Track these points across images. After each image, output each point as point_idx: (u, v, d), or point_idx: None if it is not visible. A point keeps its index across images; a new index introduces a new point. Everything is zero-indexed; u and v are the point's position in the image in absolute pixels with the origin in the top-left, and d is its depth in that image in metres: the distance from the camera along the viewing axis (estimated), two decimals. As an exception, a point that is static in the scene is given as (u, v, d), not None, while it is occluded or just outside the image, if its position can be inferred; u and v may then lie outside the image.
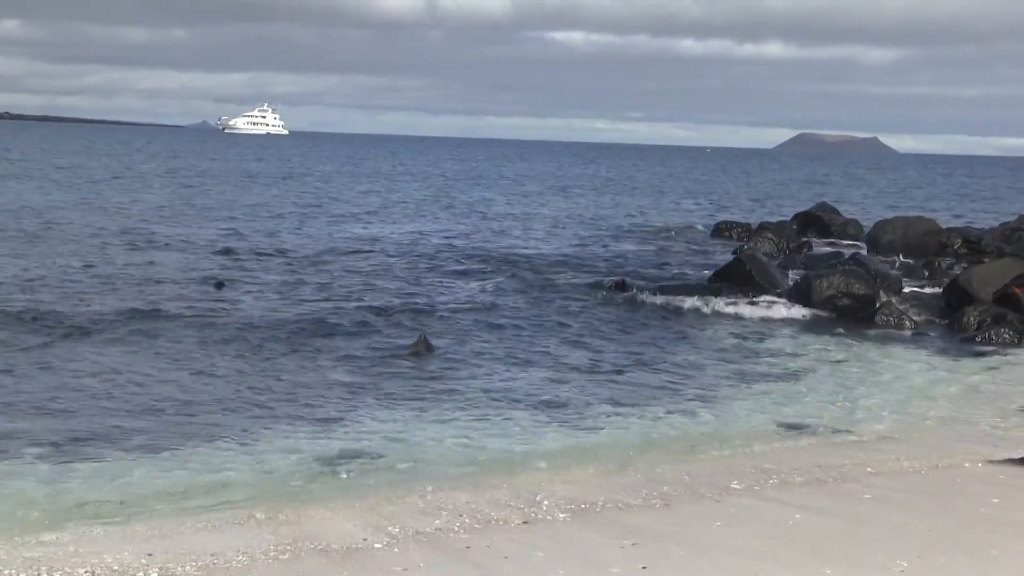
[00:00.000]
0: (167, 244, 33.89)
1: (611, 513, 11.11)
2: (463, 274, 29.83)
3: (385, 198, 63.84)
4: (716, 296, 25.65)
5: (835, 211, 47.50)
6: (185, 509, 11.00)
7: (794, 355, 20.03)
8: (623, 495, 11.71)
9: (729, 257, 31.12)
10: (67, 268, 27.37)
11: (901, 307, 24.28)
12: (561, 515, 10.97)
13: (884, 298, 24.55)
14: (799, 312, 24.49)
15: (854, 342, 21.44)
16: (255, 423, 14.27)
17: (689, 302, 25.20)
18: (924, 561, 9.64)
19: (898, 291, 25.38)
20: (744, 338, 21.56)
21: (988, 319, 22.66)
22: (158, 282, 25.72)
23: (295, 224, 43.59)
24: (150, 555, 9.51)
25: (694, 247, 40.17)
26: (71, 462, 12.37)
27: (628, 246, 39.62)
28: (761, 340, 21.39)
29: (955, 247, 33.74)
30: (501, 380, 17.28)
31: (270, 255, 32.18)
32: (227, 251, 32.48)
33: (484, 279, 28.89)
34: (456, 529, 10.49)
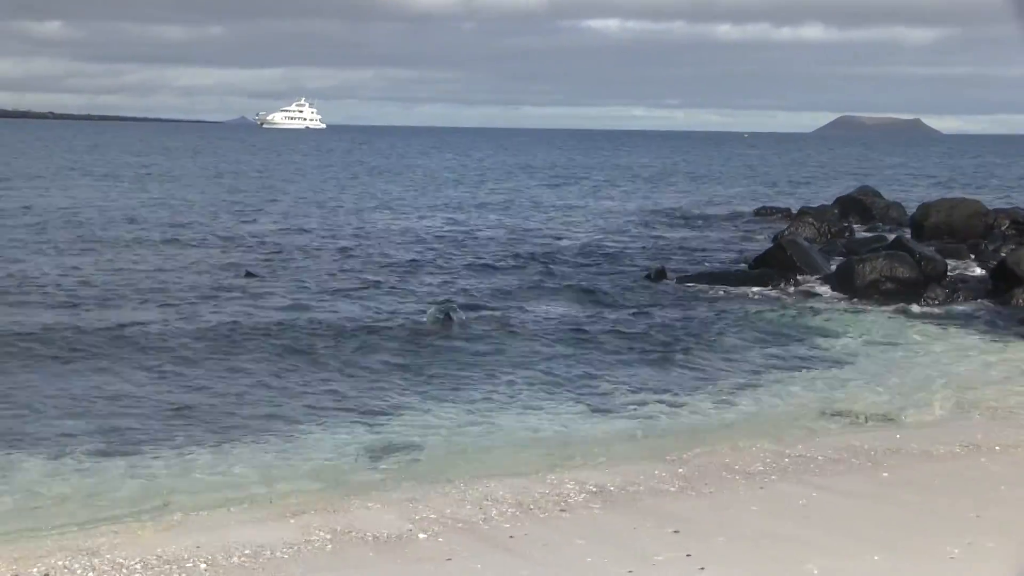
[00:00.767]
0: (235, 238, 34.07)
1: (651, 500, 11.09)
2: (504, 263, 29.79)
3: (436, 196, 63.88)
4: (757, 282, 25.54)
5: (877, 194, 47.05)
6: (230, 501, 11.07)
7: (836, 340, 19.88)
8: (663, 482, 11.67)
9: (769, 243, 30.92)
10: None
11: (946, 290, 24.05)
12: (601, 503, 10.96)
13: (929, 281, 24.31)
14: (841, 297, 24.31)
15: (898, 326, 21.24)
16: (297, 416, 14.34)
17: (729, 288, 25.12)
18: (975, 547, 9.54)
19: (943, 274, 25.14)
20: (785, 323, 21.43)
21: (1037, 301, 22.37)
22: (197, 273, 25.88)
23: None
24: (198, 547, 9.58)
25: (734, 233, 39.95)
26: (118, 457, 12.49)
27: (667, 233, 39.45)
28: (802, 325, 21.24)
29: (1002, 228, 33.32)
30: (540, 369, 17.26)
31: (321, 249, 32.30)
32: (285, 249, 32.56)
33: (526, 267, 28.85)
34: (496, 518, 10.50)
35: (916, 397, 15.79)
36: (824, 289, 25.19)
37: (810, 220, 36.02)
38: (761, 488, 11.51)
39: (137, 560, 9.26)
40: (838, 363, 18.09)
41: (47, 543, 9.75)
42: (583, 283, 26.18)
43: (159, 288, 24.01)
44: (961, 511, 10.65)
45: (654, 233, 39.38)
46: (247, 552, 9.50)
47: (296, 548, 9.64)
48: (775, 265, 26.40)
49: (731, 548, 9.60)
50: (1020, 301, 22.70)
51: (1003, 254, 27.56)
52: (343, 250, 31.96)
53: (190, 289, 24.02)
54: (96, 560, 9.26)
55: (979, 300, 24.01)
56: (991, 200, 45.66)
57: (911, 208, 41.16)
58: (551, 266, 29.27)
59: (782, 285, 25.31)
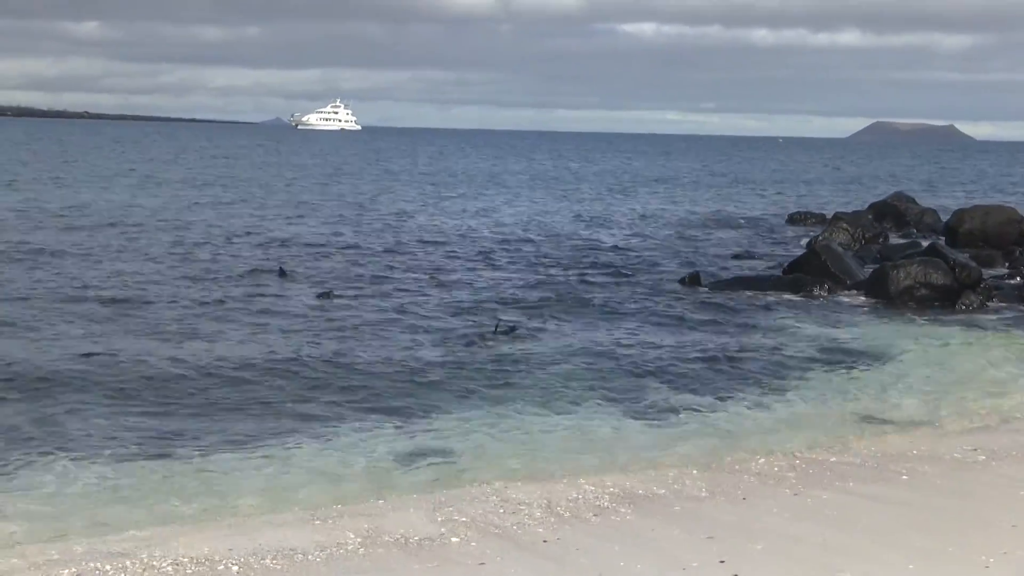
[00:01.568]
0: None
1: (684, 506, 11.04)
2: (541, 267, 29.79)
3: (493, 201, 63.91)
4: (791, 288, 25.45)
5: (911, 200, 46.85)
6: (263, 504, 11.10)
7: (870, 346, 19.76)
8: (696, 488, 11.62)
9: (804, 248, 30.80)
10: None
11: (981, 297, 23.89)
12: (633, 508, 10.92)
13: (963, 288, 24.15)
14: (875, 303, 24.20)
15: (932, 333, 21.11)
16: (328, 418, 14.36)
17: (763, 294, 25.05)
18: (1010, 557, 9.46)
19: (978, 281, 24.97)
20: (819, 330, 21.32)
21: (1072, 309, 22.20)
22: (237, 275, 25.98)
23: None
24: (230, 550, 9.60)
25: (768, 238, 39.86)
26: (148, 459, 12.53)
27: (701, 238, 39.38)
28: (837, 331, 21.13)
29: (1037, 235, 33.08)
30: (574, 373, 17.23)
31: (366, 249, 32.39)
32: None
33: (561, 272, 28.83)
34: (528, 522, 10.48)
35: (951, 404, 15.69)
36: (858, 295, 25.09)
37: (844, 226, 35.85)
38: (795, 495, 11.45)
39: (168, 562, 9.28)
40: (872, 369, 17.99)
41: (78, 545, 9.77)
42: (617, 289, 26.14)
43: (193, 285, 24.11)
44: (997, 520, 10.55)
45: (688, 238, 39.30)
46: (279, 555, 9.51)
47: (328, 551, 9.65)
48: (809, 271, 26.30)
49: (765, 555, 9.55)
50: (1056, 308, 22.50)
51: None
52: (386, 251, 32.04)
53: (225, 286, 24.13)
54: (128, 562, 9.28)
55: (1014, 307, 23.84)
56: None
57: (945, 214, 40.94)
58: (586, 271, 29.25)
59: (816, 291, 25.21)
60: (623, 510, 10.88)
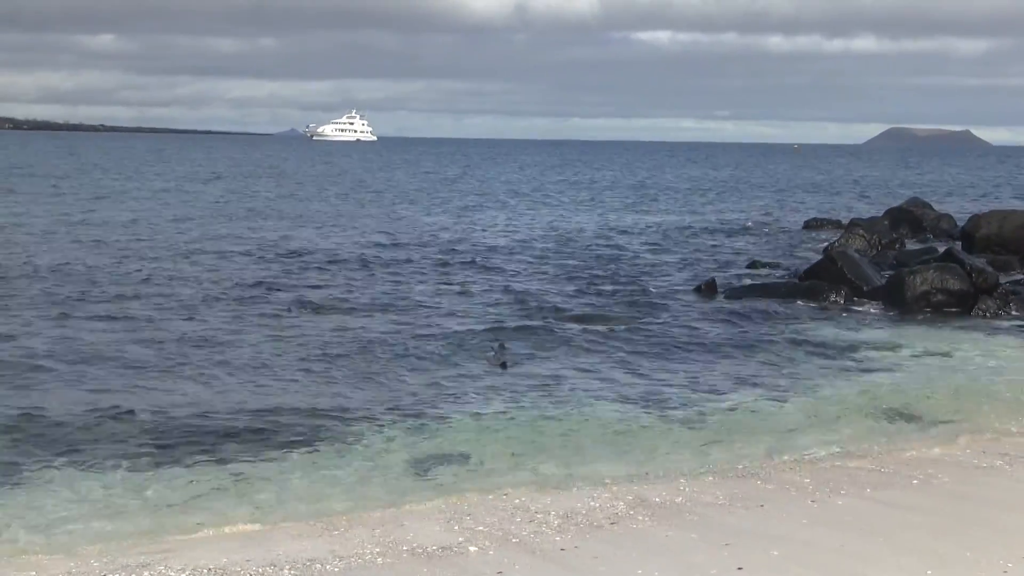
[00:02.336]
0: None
1: (702, 513, 11.04)
2: (557, 274, 29.81)
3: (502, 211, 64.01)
4: (807, 294, 25.43)
5: (928, 206, 46.79)
6: (279, 514, 11.12)
7: (888, 352, 19.73)
8: (713, 495, 11.62)
9: (820, 255, 30.76)
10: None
11: (998, 302, 23.83)
12: (650, 516, 10.92)
13: (980, 293, 24.09)
14: (892, 309, 24.18)
15: (949, 338, 21.07)
16: (346, 427, 14.37)
17: (780, 301, 25.04)
18: (1028, 561, 9.45)
19: (995, 286, 24.91)
20: (836, 336, 21.30)
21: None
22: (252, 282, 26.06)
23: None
24: (248, 560, 9.62)
25: (785, 245, 39.81)
26: (166, 469, 12.55)
27: (716, 245, 39.37)
28: (854, 338, 21.10)
29: (1054, 240, 32.93)
30: (589, 381, 17.25)
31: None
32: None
33: (578, 279, 28.85)
34: (546, 531, 10.49)
35: (970, 409, 15.65)
36: (875, 301, 25.06)
37: (860, 232, 35.77)
38: (812, 501, 11.44)
39: (186, 573, 9.31)
40: (890, 375, 17.96)
41: (93, 558, 9.80)
42: (633, 296, 26.14)
43: (212, 293, 24.19)
44: (1016, 525, 10.53)
45: (704, 245, 39.30)
46: (296, 565, 9.53)
47: (346, 561, 9.66)
48: (826, 277, 26.27)
49: (782, 561, 9.54)
50: (1073, 313, 22.42)
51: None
52: (408, 261, 32.10)
53: (240, 295, 24.20)
54: (146, 573, 9.32)
55: (1032, 313, 23.80)
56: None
57: (961, 220, 40.86)
58: (603, 278, 29.27)
59: (833, 297, 25.18)
60: (640, 517, 10.89)
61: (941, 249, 30.77)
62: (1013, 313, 23.47)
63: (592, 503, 11.31)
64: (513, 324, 21.97)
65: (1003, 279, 26.42)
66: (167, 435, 13.87)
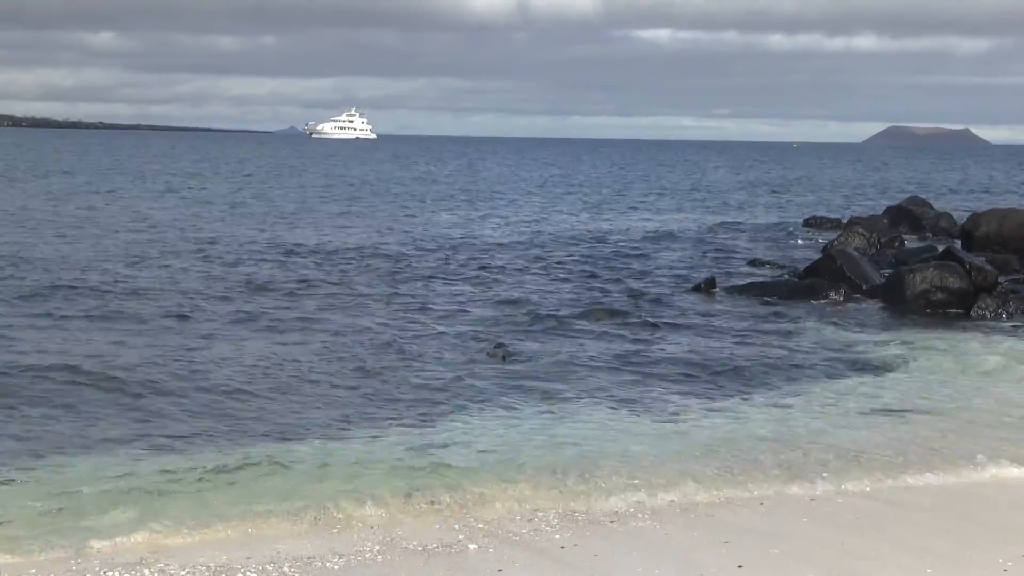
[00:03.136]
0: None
1: (701, 511, 11.06)
2: (555, 273, 29.80)
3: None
4: (807, 292, 25.43)
5: (927, 204, 46.80)
6: (278, 511, 11.07)
7: (886, 350, 19.72)
8: (713, 492, 11.64)
9: (820, 253, 30.77)
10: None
11: (997, 301, 23.84)
12: (650, 514, 10.94)
13: (979, 292, 24.09)
14: (891, 307, 24.19)
15: (949, 337, 21.05)
16: (344, 425, 14.35)
17: (779, 299, 25.04)
18: (1027, 560, 9.47)
19: (994, 284, 24.91)
20: (835, 333, 21.29)
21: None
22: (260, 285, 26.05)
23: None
24: (248, 558, 9.63)
25: (784, 243, 39.83)
26: (162, 465, 12.51)
27: (716, 243, 39.35)
28: (853, 335, 21.10)
29: (1053, 238, 32.90)
30: (588, 378, 17.21)
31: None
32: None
33: (575, 279, 28.85)
34: (546, 529, 10.51)
35: (968, 408, 15.63)
36: (874, 299, 25.07)
37: (860, 230, 35.76)
38: (812, 500, 11.46)
39: (186, 571, 9.32)
40: (889, 373, 17.95)
41: (93, 555, 9.79)
42: (632, 294, 26.12)
43: (211, 289, 24.19)
44: (1016, 524, 10.56)
45: (703, 243, 39.29)
46: (296, 563, 9.55)
47: (346, 558, 9.68)
48: (825, 275, 26.27)
49: (783, 559, 9.56)
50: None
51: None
52: (406, 259, 32.09)
53: (243, 292, 24.21)
54: (146, 570, 9.33)
55: (1031, 312, 23.79)
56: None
57: (961, 218, 40.88)
58: (601, 276, 29.26)
59: (832, 296, 25.18)
60: (640, 515, 10.91)
61: (940, 247, 30.77)
62: (1011, 312, 23.46)
63: (592, 502, 11.32)
64: (511, 322, 21.97)
65: (1002, 278, 26.43)
66: (162, 432, 13.85)
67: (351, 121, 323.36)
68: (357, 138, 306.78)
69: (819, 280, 26.03)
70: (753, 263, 32.84)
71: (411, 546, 9.98)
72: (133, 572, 9.30)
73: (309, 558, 9.64)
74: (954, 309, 23.70)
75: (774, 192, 77.88)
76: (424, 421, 14.60)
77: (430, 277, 28.55)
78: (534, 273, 30.00)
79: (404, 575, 9.35)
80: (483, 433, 14.08)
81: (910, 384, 17.13)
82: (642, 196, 71.08)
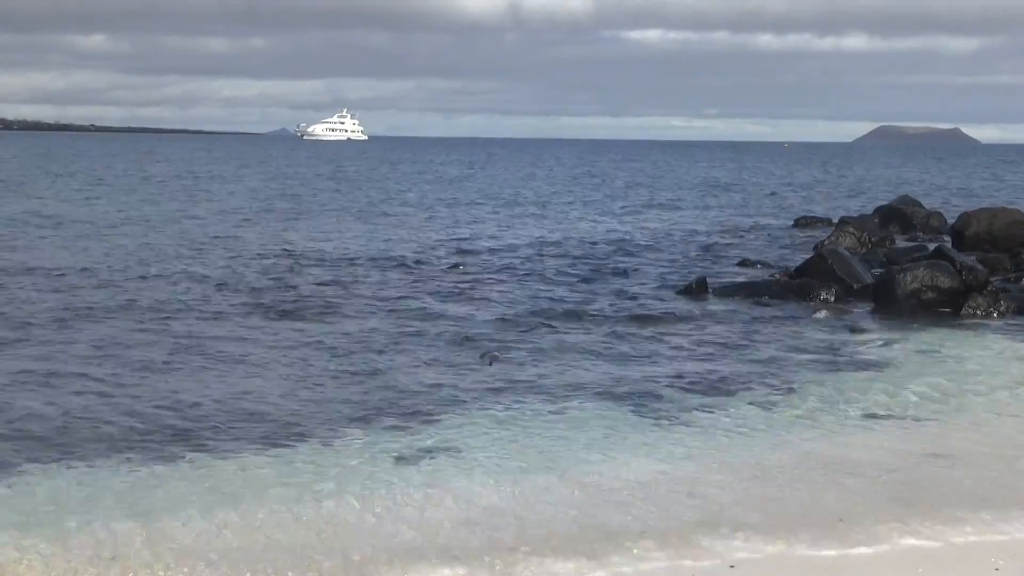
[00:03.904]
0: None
1: (700, 526, 11.02)
2: (544, 273, 29.82)
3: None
4: (797, 292, 25.49)
5: (917, 204, 46.91)
6: (271, 507, 11.09)
7: (878, 349, 19.79)
8: (710, 508, 11.66)
9: (810, 252, 30.83)
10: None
11: (988, 300, 23.91)
12: (639, 519, 10.97)
13: (970, 291, 24.15)
14: (882, 306, 24.26)
15: (940, 336, 21.13)
16: (335, 427, 14.32)
17: (770, 299, 25.10)
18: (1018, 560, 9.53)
19: (985, 283, 24.99)
20: (826, 333, 21.36)
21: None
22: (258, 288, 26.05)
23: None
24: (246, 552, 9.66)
25: (775, 243, 39.89)
26: (148, 468, 12.53)
27: (707, 243, 39.40)
28: (843, 335, 21.17)
29: (1044, 237, 32.98)
30: (578, 379, 17.22)
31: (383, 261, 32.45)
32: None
33: (564, 278, 28.88)
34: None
35: (957, 405, 15.70)
36: (865, 299, 25.14)
37: (851, 230, 35.83)
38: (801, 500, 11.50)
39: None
40: (880, 372, 17.99)
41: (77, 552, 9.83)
42: (623, 294, 26.17)
43: (200, 292, 24.19)
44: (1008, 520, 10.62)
45: (694, 243, 39.34)
46: (292, 563, 9.57)
47: (346, 557, 9.71)
48: (816, 275, 26.33)
49: (776, 559, 9.60)
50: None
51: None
52: (399, 260, 32.12)
53: (236, 287, 24.21)
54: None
55: (1021, 310, 23.87)
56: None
57: (951, 217, 40.99)
58: (593, 278, 29.29)
59: (823, 295, 25.24)
60: (632, 528, 10.92)
61: (931, 247, 30.86)
62: (1002, 311, 23.54)
63: (580, 504, 11.35)
64: (502, 323, 21.98)
65: (993, 277, 26.50)
66: (158, 434, 13.83)
67: (342, 122, 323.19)
68: (348, 139, 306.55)
69: (810, 280, 26.09)
70: (744, 263, 32.90)
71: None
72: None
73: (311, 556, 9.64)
74: (945, 308, 23.76)
75: (764, 192, 77.94)
76: (402, 429, 14.37)
77: (417, 281, 28.49)
78: (523, 274, 29.99)
79: None
80: (472, 434, 14.06)
81: (899, 382, 17.14)
82: (630, 196, 71.10)
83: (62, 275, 27.60)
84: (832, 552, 9.97)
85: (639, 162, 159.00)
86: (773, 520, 10.82)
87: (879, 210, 45.21)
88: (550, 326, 21.79)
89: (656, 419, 14.91)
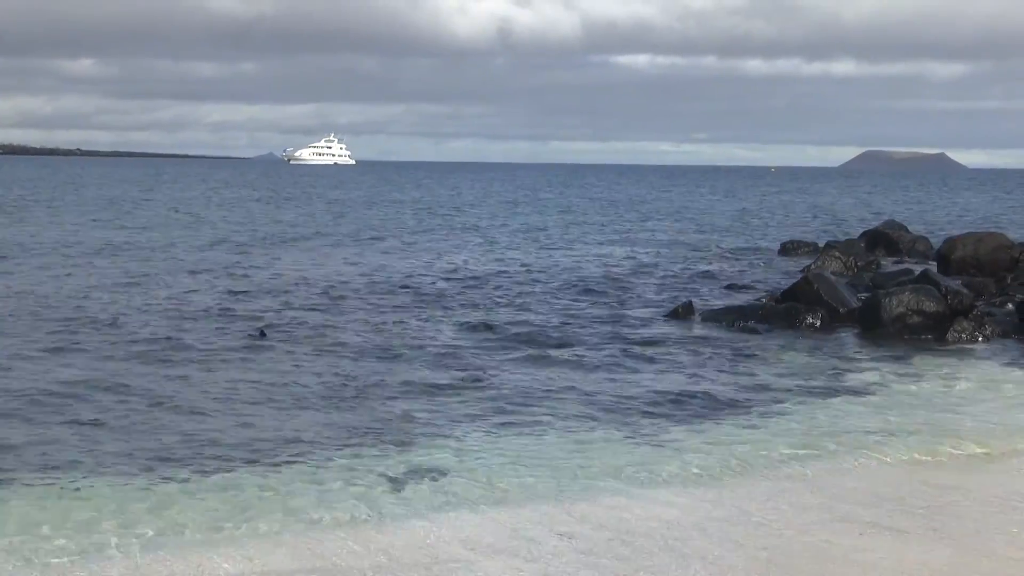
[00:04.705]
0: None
1: (688, 534, 11.07)
2: (529, 298, 29.86)
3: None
4: (784, 316, 25.54)
5: (903, 228, 47.11)
6: (249, 532, 11.08)
7: (863, 374, 19.85)
8: (696, 518, 11.68)
9: (796, 277, 30.92)
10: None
11: (973, 324, 24.00)
12: (628, 533, 10.98)
13: (955, 315, 24.24)
14: (868, 330, 24.33)
15: (925, 361, 21.20)
16: (323, 451, 14.32)
17: (757, 323, 25.15)
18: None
19: (970, 308, 25.08)
20: (813, 359, 21.42)
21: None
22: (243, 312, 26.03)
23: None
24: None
25: (760, 267, 39.98)
26: (147, 481, 12.50)
27: (693, 268, 39.47)
28: (830, 361, 21.22)
29: (1028, 262, 33.16)
30: (563, 404, 17.21)
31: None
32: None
33: (550, 303, 28.92)
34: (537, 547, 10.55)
35: (943, 432, 15.70)
36: (851, 323, 25.22)
37: (837, 254, 35.99)
38: (789, 514, 11.52)
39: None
40: (865, 397, 18.04)
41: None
42: (610, 319, 26.22)
43: (187, 317, 24.18)
44: (993, 548, 10.65)
45: (680, 268, 39.41)
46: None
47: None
48: (802, 299, 26.38)
49: (767, 565, 9.63)
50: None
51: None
52: (384, 286, 32.13)
53: (220, 310, 24.21)
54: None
55: (1006, 334, 23.99)
56: (1019, 234, 45.63)
57: (937, 241, 41.16)
58: (579, 302, 29.34)
59: (809, 319, 25.30)
60: (623, 537, 10.94)
61: (917, 271, 30.99)
62: (987, 335, 23.63)
63: (569, 524, 11.37)
64: (487, 348, 21.99)
65: (978, 301, 26.61)
66: (146, 458, 13.81)
67: (329, 147, 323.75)
68: (336, 164, 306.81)
69: (796, 304, 26.15)
70: (730, 287, 32.98)
71: (412, 561, 10.00)
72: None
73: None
74: (930, 333, 23.83)
75: (751, 216, 78.14)
76: (389, 453, 14.29)
77: (403, 306, 28.48)
78: (508, 299, 29.99)
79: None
80: (462, 454, 14.07)
81: (885, 407, 17.19)
82: (618, 220, 71.24)
83: (48, 302, 27.57)
84: None
85: (628, 186, 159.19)
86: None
87: (865, 234, 45.39)
88: (537, 349, 21.81)
89: (638, 443, 14.90)
